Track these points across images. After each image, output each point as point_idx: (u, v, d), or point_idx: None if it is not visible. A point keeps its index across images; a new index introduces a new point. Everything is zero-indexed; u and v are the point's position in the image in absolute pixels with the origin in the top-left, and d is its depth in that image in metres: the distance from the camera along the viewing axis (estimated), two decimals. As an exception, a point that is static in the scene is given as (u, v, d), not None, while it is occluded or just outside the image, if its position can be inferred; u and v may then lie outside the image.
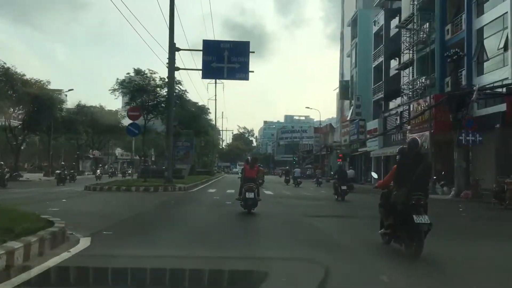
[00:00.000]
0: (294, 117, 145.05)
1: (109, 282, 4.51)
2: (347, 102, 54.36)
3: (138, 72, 24.11)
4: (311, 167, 66.66)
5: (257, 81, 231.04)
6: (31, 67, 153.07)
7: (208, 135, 46.37)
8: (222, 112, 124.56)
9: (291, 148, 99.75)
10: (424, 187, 6.92)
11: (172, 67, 23.20)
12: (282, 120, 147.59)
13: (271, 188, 28.82)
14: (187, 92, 25.81)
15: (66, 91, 46.81)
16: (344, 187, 18.73)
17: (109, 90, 24.00)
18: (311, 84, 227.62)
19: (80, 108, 53.47)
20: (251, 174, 12.70)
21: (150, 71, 24.30)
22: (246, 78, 23.08)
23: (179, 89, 25.36)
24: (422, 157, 7.32)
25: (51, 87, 40.29)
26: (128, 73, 24.06)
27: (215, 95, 64.56)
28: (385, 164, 38.44)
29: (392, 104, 37.62)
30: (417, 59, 31.85)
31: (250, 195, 12.06)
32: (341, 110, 57.96)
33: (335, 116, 70.19)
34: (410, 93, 31.85)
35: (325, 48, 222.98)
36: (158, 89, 24.56)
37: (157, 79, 24.36)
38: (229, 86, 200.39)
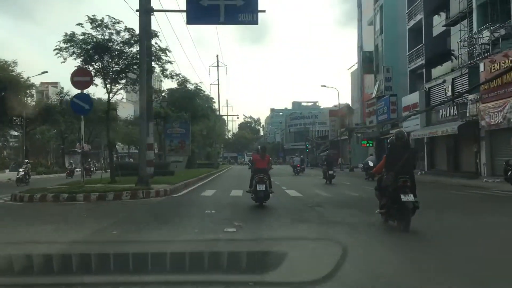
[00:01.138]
0: (302, 104, 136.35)
1: None
2: (369, 78, 46.15)
3: (94, 22, 15.94)
4: (329, 154, 58.53)
5: (260, 70, 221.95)
6: (32, 61, 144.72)
7: (209, 120, 38.15)
8: (227, 100, 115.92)
9: (302, 136, 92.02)
10: (410, 171, 7.62)
11: (144, 5, 15.13)
12: (289, 107, 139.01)
13: (290, 184, 20.79)
14: (168, 51, 17.51)
15: (38, 74, 38.88)
16: (331, 172, 21.68)
17: (54, 50, 15.93)
18: (318, 70, 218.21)
19: (62, 97, 45.79)
20: (262, 164, 11.43)
21: (111, 20, 16.09)
22: (254, 21, 14.84)
23: (157, 47, 17.26)
24: (408, 146, 8.30)
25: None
26: (79, 24, 15.89)
27: (218, 80, 55.71)
28: (431, 148, 30.27)
29: (435, 72, 29.32)
30: (478, 7, 23.53)
31: (261, 187, 10.86)
32: (361, 88, 49.73)
33: (345, 102, 61.35)
34: (475, 51, 23.45)
35: (331, 33, 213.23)
36: (126, 46, 16.45)
37: (122, 31, 16.16)
38: (232, 71, 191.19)
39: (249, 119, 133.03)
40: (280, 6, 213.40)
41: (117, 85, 16.89)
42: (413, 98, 31.34)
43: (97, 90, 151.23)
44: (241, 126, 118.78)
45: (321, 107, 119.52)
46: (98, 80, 16.53)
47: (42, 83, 72.60)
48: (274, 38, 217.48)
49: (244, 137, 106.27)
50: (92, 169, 36.60)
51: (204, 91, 31.56)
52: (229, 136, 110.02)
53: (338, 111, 59.72)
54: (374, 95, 40.58)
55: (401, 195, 7.16)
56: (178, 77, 29.45)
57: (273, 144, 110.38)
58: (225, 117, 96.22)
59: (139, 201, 12.78)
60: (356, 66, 55.78)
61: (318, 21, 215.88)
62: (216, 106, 52.50)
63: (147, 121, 15.78)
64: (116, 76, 16.54)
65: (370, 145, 41.33)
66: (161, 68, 17.70)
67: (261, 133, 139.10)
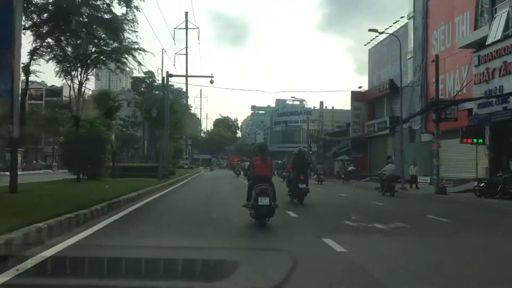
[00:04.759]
0: (287, 102, 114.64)
1: None
2: (441, 27, 24.76)
3: None
4: (350, 159, 36.33)
5: (240, 72, 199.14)
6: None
7: (143, 65, 15.45)
8: (201, 90, 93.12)
9: (292, 135, 71.24)
10: (305, 171, 13.62)
11: None
12: (272, 105, 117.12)
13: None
14: None
15: None
16: (285, 174, 26.95)
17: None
18: (300, 70, 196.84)
19: None
20: (264, 171, 8.28)
21: None
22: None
23: None
24: (304, 155, 15.41)
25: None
26: None
27: (186, 47, 33.42)
28: None
29: None
30: None
31: (264, 201, 7.65)
32: (423, 45, 28.02)
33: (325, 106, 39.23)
34: None
35: (312, 36, 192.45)
36: None
37: None
38: (210, 72, 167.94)
39: (225, 117, 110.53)
40: (260, 9, 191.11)
41: None
42: None
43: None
44: (217, 123, 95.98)
45: (306, 105, 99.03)
46: None
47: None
48: (254, 41, 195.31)
49: (219, 135, 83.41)
50: None
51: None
52: (202, 135, 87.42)
53: (367, 94, 37.84)
54: (494, 38, 18.89)
55: (299, 184, 12.69)
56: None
57: (253, 146, 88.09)
58: (198, 115, 74.31)
59: None
60: (380, 39, 34.14)
61: (298, 25, 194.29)
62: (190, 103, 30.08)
63: None
64: None
65: (481, 141, 19.64)
66: None
67: (239, 134, 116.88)
